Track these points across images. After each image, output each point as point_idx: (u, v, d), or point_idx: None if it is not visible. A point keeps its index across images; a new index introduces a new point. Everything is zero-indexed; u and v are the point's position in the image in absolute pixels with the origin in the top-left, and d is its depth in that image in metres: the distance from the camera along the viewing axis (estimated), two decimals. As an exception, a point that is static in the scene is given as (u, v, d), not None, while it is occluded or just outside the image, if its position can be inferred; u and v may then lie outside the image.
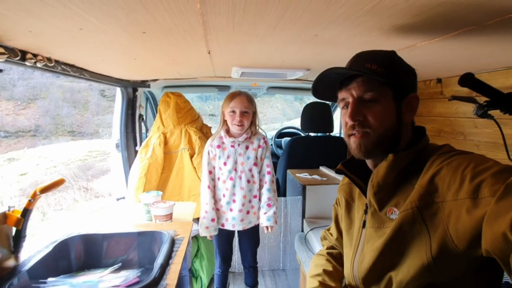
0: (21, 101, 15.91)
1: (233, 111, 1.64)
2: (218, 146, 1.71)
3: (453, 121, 1.59)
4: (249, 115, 1.67)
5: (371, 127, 0.71)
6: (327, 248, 1.02)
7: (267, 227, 1.71)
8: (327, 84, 0.78)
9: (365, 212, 0.77)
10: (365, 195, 0.79)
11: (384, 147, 0.72)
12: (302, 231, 2.00)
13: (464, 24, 0.77)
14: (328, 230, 1.05)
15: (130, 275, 1.03)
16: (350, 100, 0.73)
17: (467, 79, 0.78)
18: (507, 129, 1.27)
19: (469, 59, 1.23)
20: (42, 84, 16.21)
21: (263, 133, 1.80)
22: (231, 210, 1.71)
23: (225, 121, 1.71)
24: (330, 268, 0.93)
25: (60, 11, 0.72)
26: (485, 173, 0.55)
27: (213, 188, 1.73)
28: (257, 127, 1.76)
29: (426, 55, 1.17)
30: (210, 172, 1.72)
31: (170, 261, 0.97)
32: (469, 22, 0.75)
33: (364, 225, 0.77)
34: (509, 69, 1.32)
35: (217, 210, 1.72)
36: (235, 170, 1.69)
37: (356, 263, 0.77)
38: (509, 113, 0.84)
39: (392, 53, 0.76)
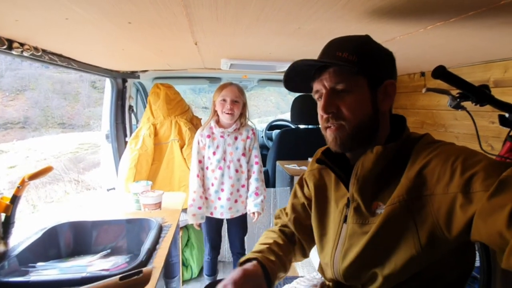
0: (9, 92, 15.56)
1: (224, 100, 1.68)
2: (208, 136, 1.74)
3: (435, 114, 1.65)
4: (239, 105, 1.70)
5: (345, 119, 0.68)
6: (280, 226, 0.96)
7: (253, 213, 1.75)
8: (300, 77, 0.75)
9: (347, 206, 0.73)
10: (347, 188, 0.74)
11: (361, 139, 0.69)
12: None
13: (440, 18, 0.81)
14: (284, 209, 1.00)
15: (119, 260, 1.06)
16: (323, 91, 0.70)
17: (440, 72, 0.82)
18: (483, 121, 1.33)
19: (450, 52, 1.27)
20: (30, 75, 15.86)
21: (252, 125, 1.84)
22: (219, 198, 1.75)
23: (215, 112, 1.75)
24: (280, 241, 0.88)
25: (45, 1, 0.73)
26: (476, 167, 0.54)
27: (202, 177, 1.77)
28: (247, 119, 1.80)
29: (407, 48, 1.21)
30: (199, 162, 1.76)
31: (157, 246, 1.00)
32: (446, 15, 0.78)
33: (345, 220, 0.73)
34: (487, 63, 1.37)
35: (205, 198, 1.77)
36: (224, 159, 1.73)
37: (337, 258, 0.74)
38: (479, 105, 0.88)
39: (366, 38, 0.71)
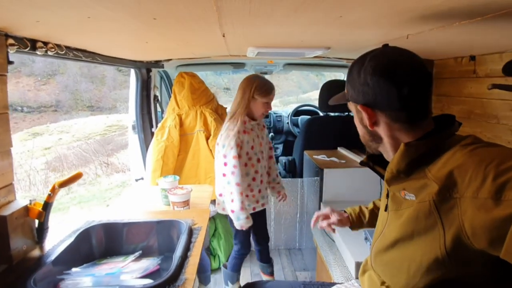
0: (41, 77, 16.20)
1: (267, 102, 1.70)
2: (244, 132, 1.70)
3: (485, 103, 1.48)
4: None
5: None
6: None
7: (284, 194, 1.88)
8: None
9: (387, 196, 0.79)
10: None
11: (373, 147, 0.81)
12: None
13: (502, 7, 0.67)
14: None
15: (151, 264, 1.05)
16: None
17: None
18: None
19: (509, 37, 1.10)
20: (59, 60, 16.36)
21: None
22: (260, 191, 1.78)
23: (248, 107, 1.68)
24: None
25: (66, 2, 0.68)
26: (510, 172, 0.51)
27: (245, 176, 1.71)
28: None
29: (460, 34, 1.06)
30: (240, 157, 1.66)
31: (189, 253, 0.98)
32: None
33: (386, 209, 0.79)
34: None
35: (252, 196, 1.76)
36: (261, 152, 1.78)
37: (376, 244, 0.80)
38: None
39: (351, 65, 0.78)
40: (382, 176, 0.82)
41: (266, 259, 1.95)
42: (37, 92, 15.77)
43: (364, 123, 0.77)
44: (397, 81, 0.69)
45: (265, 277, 1.96)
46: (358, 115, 0.79)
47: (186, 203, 1.38)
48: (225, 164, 1.64)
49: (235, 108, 1.70)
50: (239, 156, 1.65)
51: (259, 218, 1.84)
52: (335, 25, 0.99)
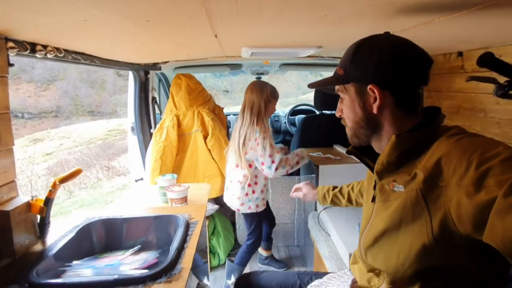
0: (41, 83, 16.25)
1: (275, 104, 1.92)
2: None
3: (473, 97, 1.51)
4: None
5: (345, 122, 0.81)
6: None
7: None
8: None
9: (374, 188, 0.81)
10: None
11: (364, 136, 0.78)
12: (316, 210, 2.02)
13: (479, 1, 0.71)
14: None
15: (149, 257, 1.08)
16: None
17: (486, 59, 0.73)
18: (532, 107, 1.20)
19: (493, 31, 1.14)
20: (59, 66, 16.43)
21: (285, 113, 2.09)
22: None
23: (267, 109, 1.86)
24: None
25: (61, 7, 0.72)
26: (492, 160, 0.53)
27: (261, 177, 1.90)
28: None
29: (444, 30, 1.10)
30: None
31: (185, 245, 1.01)
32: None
33: (373, 200, 0.81)
34: (538, 41, 1.22)
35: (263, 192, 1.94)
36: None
37: (364, 234, 0.82)
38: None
39: (356, 46, 0.75)
40: (369, 167, 0.83)
41: (269, 238, 2.22)
42: (37, 98, 15.82)
43: (367, 106, 0.74)
44: (415, 62, 0.71)
45: (265, 253, 2.26)
46: (358, 98, 0.75)
47: (183, 199, 1.41)
48: (273, 162, 1.79)
49: (256, 112, 1.79)
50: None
51: (267, 208, 2.03)
52: (321, 24, 1.03)
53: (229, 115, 3.24)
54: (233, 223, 2.50)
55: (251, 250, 1.98)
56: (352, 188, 1.29)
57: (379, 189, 0.77)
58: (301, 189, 1.42)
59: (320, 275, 1.09)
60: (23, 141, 10.95)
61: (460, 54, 1.53)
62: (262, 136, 1.77)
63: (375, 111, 0.72)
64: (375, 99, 0.72)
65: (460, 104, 1.60)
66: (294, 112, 3.50)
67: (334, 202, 1.31)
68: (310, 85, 0.89)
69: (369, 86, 0.71)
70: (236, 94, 14.70)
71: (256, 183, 1.87)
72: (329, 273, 1.10)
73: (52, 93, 16.15)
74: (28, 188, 6.51)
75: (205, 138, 2.17)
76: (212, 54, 1.94)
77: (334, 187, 1.35)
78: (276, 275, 1.11)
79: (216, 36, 1.19)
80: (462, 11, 0.79)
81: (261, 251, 2.27)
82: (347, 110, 0.78)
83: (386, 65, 0.70)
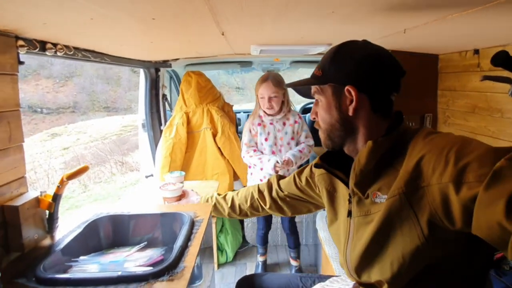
0: (59, 79, 16.67)
1: (263, 97, 1.83)
2: (259, 124, 1.91)
3: (489, 97, 1.45)
4: (278, 98, 1.83)
5: (319, 124, 0.80)
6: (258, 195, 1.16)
7: (288, 159, 1.81)
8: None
9: (349, 201, 0.78)
10: (347, 186, 0.78)
11: (338, 139, 0.77)
12: (324, 209, 1.99)
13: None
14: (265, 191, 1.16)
15: (155, 254, 1.09)
16: None
17: (500, 58, 0.69)
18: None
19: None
20: (76, 62, 16.71)
21: (297, 110, 1.99)
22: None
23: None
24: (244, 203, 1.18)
25: (67, 6, 0.72)
26: (469, 156, 0.55)
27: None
28: (290, 104, 1.94)
29: (458, 27, 1.05)
30: (252, 146, 1.93)
31: (189, 243, 1.01)
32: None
33: (349, 215, 0.77)
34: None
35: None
36: (275, 144, 1.91)
37: (349, 253, 0.78)
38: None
39: (337, 48, 0.76)
40: (341, 180, 0.80)
41: (291, 245, 2.17)
42: (56, 94, 16.24)
43: (343, 108, 0.74)
44: (391, 70, 0.73)
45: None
46: (335, 99, 0.75)
47: (177, 198, 1.39)
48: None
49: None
50: (253, 148, 1.94)
51: None
52: (330, 21, 1.00)
53: (239, 112, 3.23)
54: (241, 221, 2.50)
55: (259, 233, 2.12)
56: (237, 194, 1.23)
57: (356, 202, 0.75)
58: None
59: (323, 278, 1.08)
60: (42, 135, 11.28)
61: (476, 51, 1.47)
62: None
63: (350, 113, 0.73)
64: (351, 101, 0.72)
65: (475, 104, 1.54)
66: (305, 110, 3.46)
67: (216, 208, 1.25)
68: (288, 85, 0.87)
69: (346, 87, 0.72)
70: (248, 91, 14.68)
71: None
72: (332, 276, 1.08)
73: (70, 89, 16.55)
74: (46, 182, 6.73)
75: (214, 135, 2.17)
76: (221, 51, 1.94)
77: (219, 194, 1.30)
78: (279, 277, 1.10)
79: (223, 34, 1.18)
80: (477, 7, 0.75)
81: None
82: (322, 112, 0.78)
83: (364, 69, 0.72)
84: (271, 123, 1.90)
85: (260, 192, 1.17)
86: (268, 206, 1.14)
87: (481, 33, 1.16)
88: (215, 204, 1.25)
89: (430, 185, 0.59)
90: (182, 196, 1.41)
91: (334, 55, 0.75)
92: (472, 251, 0.64)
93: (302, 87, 0.87)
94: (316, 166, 0.85)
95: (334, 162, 0.83)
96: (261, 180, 1.91)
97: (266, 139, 1.91)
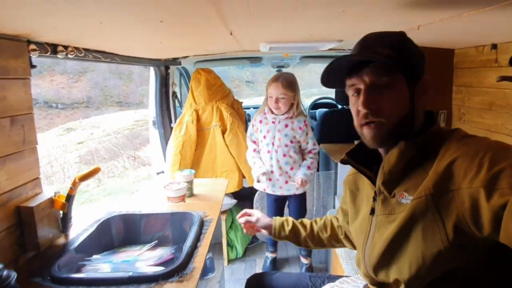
0: (73, 75, 16.96)
1: (271, 96, 1.84)
2: (261, 121, 1.94)
3: (508, 94, 1.40)
4: (286, 100, 1.82)
5: (385, 116, 0.68)
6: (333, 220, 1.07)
7: (301, 180, 1.84)
8: (338, 73, 0.73)
9: (374, 199, 0.75)
10: (374, 184, 0.75)
11: (399, 135, 0.69)
12: (334, 207, 1.99)
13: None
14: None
15: (165, 253, 1.11)
16: (362, 87, 0.69)
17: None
18: None
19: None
20: (81, 62, 16.98)
21: (306, 114, 1.99)
22: (270, 179, 1.93)
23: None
24: (315, 227, 1.06)
25: (77, 10, 0.73)
26: (504, 162, 0.52)
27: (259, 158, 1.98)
28: (301, 108, 1.93)
29: (475, 24, 1.01)
30: (254, 142, 1.99)
31: (198, 244, 1.03)
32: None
33: (372, 212, 0.75)
34: None
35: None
36: (272, 144, 1.90)
37: (368, 251, 0.76)
38: None
39: (402, 35, 0.71)
40: (368, 177, 0.76)
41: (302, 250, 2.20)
42: (70, 89, 16.54)
43: (415, 101, 0.69)
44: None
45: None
46: (408, 91, 0.68)
47: (181, 198, 1.39)
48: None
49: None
50: (254, 142, 2.01)
51: (291, 205, 2.09)
52: (341, 19, 0.98)
53: (248, 108, 3.22)
54: (251, 217, 2.52)
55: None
56: (316, 221, 1.09)
57: (381, 201, 0.73)
58: (252, 214, 1.13)
59: (332, 278, 1.08)
60: (57, 130, 11.56)
61: (494, 46, 1.42)
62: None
63: (421, 104, 0.70)
64: (424, 92, 0.70)
65: (492, 101, 1.49)
66: (315, 105, 3.43)
67: (294, 233, 1.06)
68: (337, 60, 0.69)
69: (424, 78, 0.70)
70: (258, 85, 14.61)
71: None
72: (342, 276, 1.08)
73: (83, 84, 16.83)
74: (61, 175, 6.92)
75: (223, 133, 2.17)
76: (230, 49, 1.94)
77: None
78: (288, 276, 1.10)
79: (231, 34, 1.17)
80: (494, 4, 0.72)
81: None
82: (393, 102, 0.67)
83: (423, 60, 0.71)
84: (273, 122, 1.90)
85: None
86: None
87: (498, 29, 1.12)
88: (292, 227, 1.06)
89: (460, 189, 0.57)
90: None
91: (404, 41, 0.70)
92: (498, 259, 0.62)
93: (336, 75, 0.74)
94: (342, 162, 0.81)
95: (361, 158, 0.79)
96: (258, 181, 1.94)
97: (264, 137, 1.92)
